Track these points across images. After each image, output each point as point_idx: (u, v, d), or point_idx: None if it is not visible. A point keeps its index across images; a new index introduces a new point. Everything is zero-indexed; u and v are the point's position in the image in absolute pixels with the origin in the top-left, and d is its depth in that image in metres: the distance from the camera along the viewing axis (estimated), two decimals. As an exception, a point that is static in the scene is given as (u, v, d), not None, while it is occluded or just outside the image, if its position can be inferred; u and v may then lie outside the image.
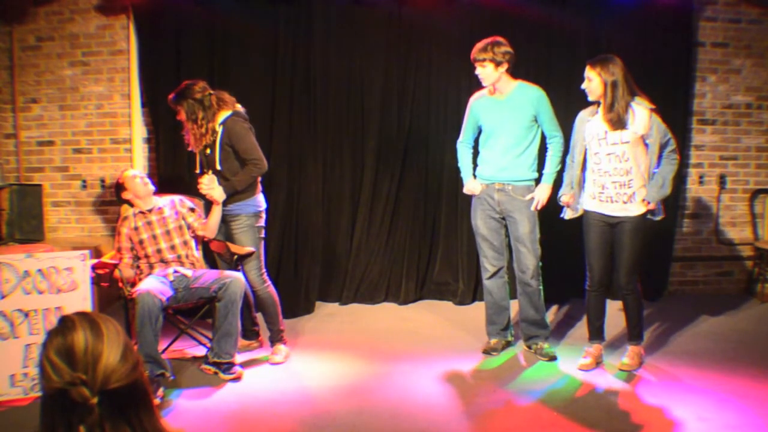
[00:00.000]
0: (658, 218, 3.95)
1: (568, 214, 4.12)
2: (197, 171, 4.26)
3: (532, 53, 5.31)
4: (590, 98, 3.91)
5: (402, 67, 5.44)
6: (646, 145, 3.86)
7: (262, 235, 4.27)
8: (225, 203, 4.15)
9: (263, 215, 4.27)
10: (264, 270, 4.26)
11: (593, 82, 3.85)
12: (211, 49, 5.29)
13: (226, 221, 4.22)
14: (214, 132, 4.08)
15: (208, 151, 4.14)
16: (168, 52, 5.30)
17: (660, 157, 3.89)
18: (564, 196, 4.09)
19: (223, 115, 4.09)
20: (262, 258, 4.26)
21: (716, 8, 5.63)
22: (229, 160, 4.11)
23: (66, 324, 1.32)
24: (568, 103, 4.98)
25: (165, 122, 5.34)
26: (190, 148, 4.21)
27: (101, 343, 1.30)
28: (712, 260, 5.86)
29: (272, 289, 4.28)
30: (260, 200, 4.25)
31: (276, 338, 4.29)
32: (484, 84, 4.14)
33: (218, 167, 4.12)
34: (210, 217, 4.20)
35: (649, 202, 3.86)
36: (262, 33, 5.32)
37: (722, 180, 5.79)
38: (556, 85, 5.16)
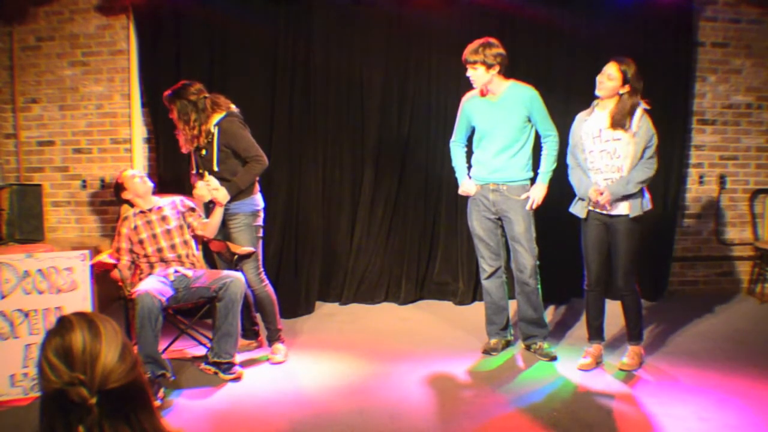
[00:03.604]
0: (637, 213, 3.87)
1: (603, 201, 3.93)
2: (193, 171, 4.27)
3: (532, 53, 5.31)
4: (598, 92, 3.88)
5: (402, 67, 5.43)
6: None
7: (260, 235, 4.27)
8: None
9: (261, 214, 4.27)
10: (262, 269, 4.26)
11: (614, 81, 3.81)
12: (211, 49, 5.29)
13: (224, 220, 4.22)
14: (209, 134, 4.08)
15: (204, 152, 4.15)
16: (168, 52, 5.29)
17: (641, 158, 3.85)
18: (592, 194, 3.90)
19: (217, 116, 4.10)
20: (260, 257, 4.26)
21: (716, 8, 5.62)
22: (227, 161, 4.11)
23: (64, 324, 1.32)
24: (568, 103, 4.98)
25: (165, 122, 5.32)
26: (183, 150, 4.22)
27: (99, 343, 1.30)
28: (712, 260, 5.86)
29: (270, 289, 4.28)
30: (258, 199, 4.26)
31: (274, 338, 4.30)
32: (474, 86, 4.13)
33: (215, 168, 4.12)
34: (212, 217, 4.20)
35: (602, 193, 3.82)
36: (262, 33, 5.32)
37: (722, 180, 5.78)
38: (556, 85, 5.17)
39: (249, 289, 4.22)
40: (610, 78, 3.84)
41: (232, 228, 4.20)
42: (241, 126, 4.14)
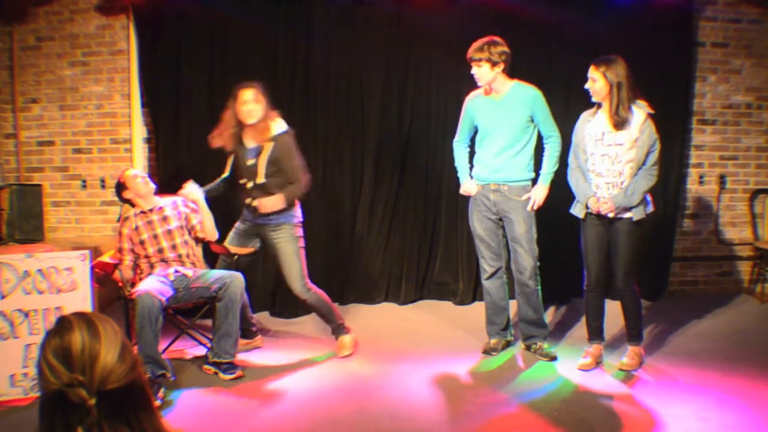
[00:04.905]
0: (641, 216, 3.88)
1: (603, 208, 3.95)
2: (225, 175, 4.25)
3: (532, 53, 5.30)
4: (594, 99, 3.91)
5: (402, 67, 5.43)
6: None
7: (303, 245, 4.27)
8: (267, 214, 4.14)
9: (301, 226, 4.29)
10: (307, 278, 4.26)
11: (597, 83, 3.84)
12: (211, 49, 5.29)
13: (266, 232, 4.21)
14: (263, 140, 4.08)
15: (250, 162, 4.13)
16: (168, 52, 5.29)
17: (644, 163, 3.85)
18: (593, 204, 3.92)
19: (276, 125, 4.10)
20: (305, 267, 4.25)
21: (716, 8, 5.62)
22: (275, 174, 4.11)
23: (63, 325, 1.32)
24: (568, 104, 4.98)
25: (165, 122, 5.34)
26: (217, 144, 4.16)
27: (98, 343, 1.29)
28: (712, 260, 5.86)
29: (319, 292, 4.30)
30: (299, 211, 4.28)
31: (339, 332, 4.35)
32: (479, 84, 4.14)
33: (261, 180, 4.11)
34: (204, 220, 4.21)
35: (606, 202, 3.85)
36: (262, 33, 5.31)
37: (722, 180, 5.78)
38: (556, 85, 5.16)
39: (298, 300, 4.26)
40: (593, 80, 3.86)
41: (278, 239, 4.19)
42: (294, 145, 4.16)
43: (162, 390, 3.68)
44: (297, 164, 4.14)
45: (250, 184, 4.15)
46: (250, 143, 4.15)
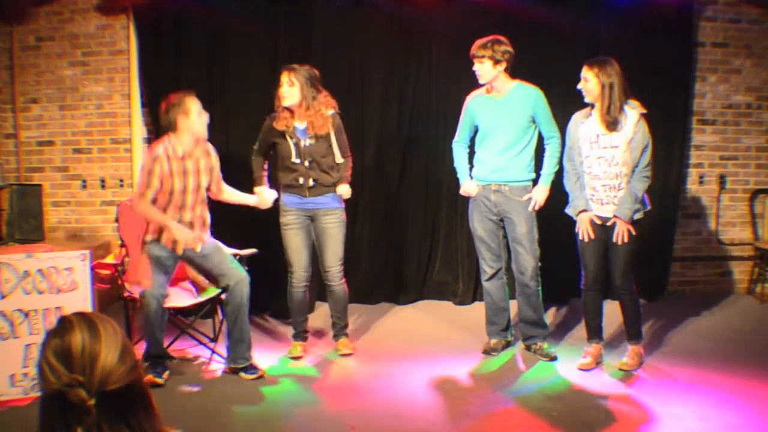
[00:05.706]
0: (639, 215, 3.91)
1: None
2: (296, 160, 4.12)
3: (532, 53, 5.29)
4: (586, 99, 3.92)
5: (402, 67, 5.43)
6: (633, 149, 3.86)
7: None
8: (317, 194, 4.16)
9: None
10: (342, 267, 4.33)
11: (590, 83, 3.85)
12: (211, 49, 5.29)
13: (317, 216, 4.20)
14: (322, 122, 4.08)
15: (308, 142, 4.10)
16: (168, 52, 5.29)
17: (637, 164, 3.85)
18: (583, 214, 4.00)
19: (326, 107, 4.13)
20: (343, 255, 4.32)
21: (716, 8, 5.62)
22: (332, 153, 4.18)
23: (64, 325, 1.32)
24: (568, 104, 4.96)
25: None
26: (283, 127, 4.09)
27: (99, 343, 1.29)
28: (712, 260, 5.85)
29: (346, 287, 4.36)
30: None
31: (342, 333, 4.40)
32: (480, 81, 4.13)
33: (340, 160, 4.18)
34: (244, 195, 4.15)
35: (619, 217, 3.88)
36: (262, 33, 5.32)
37: (722, 180, 5.78)
38: (555, 85, 5.16)
39: (329, 285, 4.29)
40: (585, 80, 3.88)
41: (329, 223, 4.20)
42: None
43: (167, 372, 3.80)
44: (344, 140, 4.24)
45: (306, 163, 4.11)
46: (300, 124, 4.12)
